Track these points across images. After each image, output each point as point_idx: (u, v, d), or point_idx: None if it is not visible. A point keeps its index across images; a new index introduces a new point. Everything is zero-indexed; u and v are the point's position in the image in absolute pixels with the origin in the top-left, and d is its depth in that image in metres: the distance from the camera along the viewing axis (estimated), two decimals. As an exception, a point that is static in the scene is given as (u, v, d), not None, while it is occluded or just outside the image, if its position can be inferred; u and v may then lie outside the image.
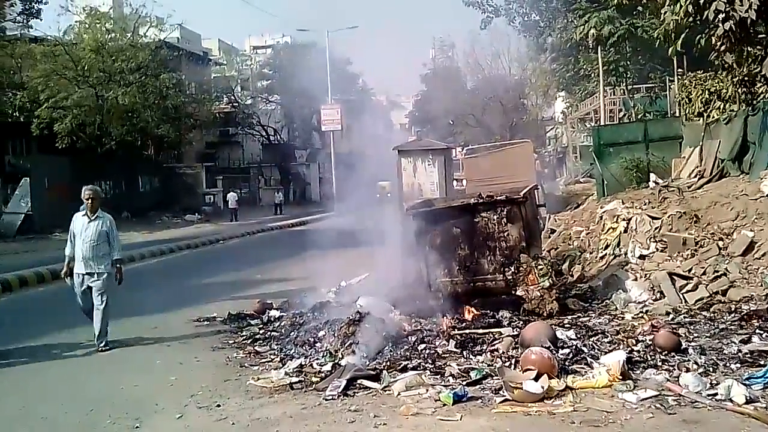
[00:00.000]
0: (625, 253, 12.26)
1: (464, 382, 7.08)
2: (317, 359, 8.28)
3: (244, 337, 10.03)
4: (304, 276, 14.35)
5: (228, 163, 60.95)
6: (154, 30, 42.12)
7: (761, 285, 10.32)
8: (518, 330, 8.77)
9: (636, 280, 11.14)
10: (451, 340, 8.62)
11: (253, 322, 11.01)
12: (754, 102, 14.26)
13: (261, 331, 10.27)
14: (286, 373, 7.90)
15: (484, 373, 7.32)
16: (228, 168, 59.18)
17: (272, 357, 8.80)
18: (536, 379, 6.71)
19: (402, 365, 7.77)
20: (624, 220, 13.06)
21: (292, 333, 9.52)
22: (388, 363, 7.89)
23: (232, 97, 59.12)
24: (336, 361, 8.03)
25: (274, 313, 11.22)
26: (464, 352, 8.23)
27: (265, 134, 61.06)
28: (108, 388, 7.98)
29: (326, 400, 6.93)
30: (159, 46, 41.07)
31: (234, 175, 57.05)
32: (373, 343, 8.28)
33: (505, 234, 10.14)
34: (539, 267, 10.06)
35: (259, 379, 7.81)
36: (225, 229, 33.57)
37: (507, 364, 7.61)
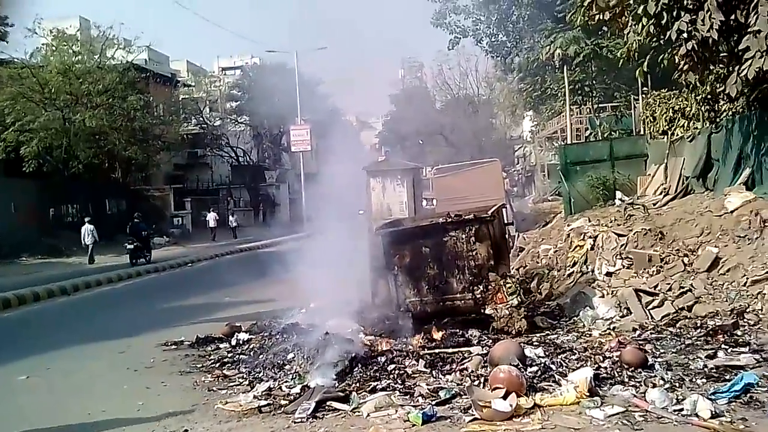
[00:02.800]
0: (592, 271, 12.39)
1: (433, 402, 7.05)
2: (286, 382, 8.23)
3: (213, 361, 9.94)
4: (274, 298, 14.30)
5: (197, 185, 60.51)
6: (121, 52, 41.92)
7: (726, 300, 10.46)
8: (487, 348, 8.77)
9: (603, 297, 11.23)
10: (420, 360, 8.61)
11: (221, 345, 10.93)
12: (717, 119, 14.50)
13: (229, 355, 10.19)
14: (255, 397, 7.84)
15: (454, 392, 7.32)
16: (197, 190, 58.76)
17: (241, 380, 8.73)
18: (505, 397, 6.71)
19: (371, 386, 7.75)
20: (591, 237, 13.20)
21: (261, 356, 9.45)
22: (358, 384, 7.87)
23: (201, 119, 58.86)
24: (305, 383, 7.98)
25: (243, 335, 11.11)
26: (434, 372, 8.22)
27: (234, 155, 60.82)
28: (74, 414, 7.85)
29: (295, 422, 6.88)
30: (127, 68, 40.80)
31: (203, 196, 56.64)
32: (342, 365, 8.25)
33: (474, 253, 10.17)
34: (508, 285, 10.10)
35: (227, 402, 7.73)
36: (194, 251, 33.31)
37: (476, 382, 7.63)
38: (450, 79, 63.05)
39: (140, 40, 43.10)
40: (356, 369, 8.29)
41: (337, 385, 7.88)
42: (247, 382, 8.56)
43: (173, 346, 11.19)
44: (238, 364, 9.55)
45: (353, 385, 7.87)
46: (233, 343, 10.88)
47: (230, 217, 45.55)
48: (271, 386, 8.16)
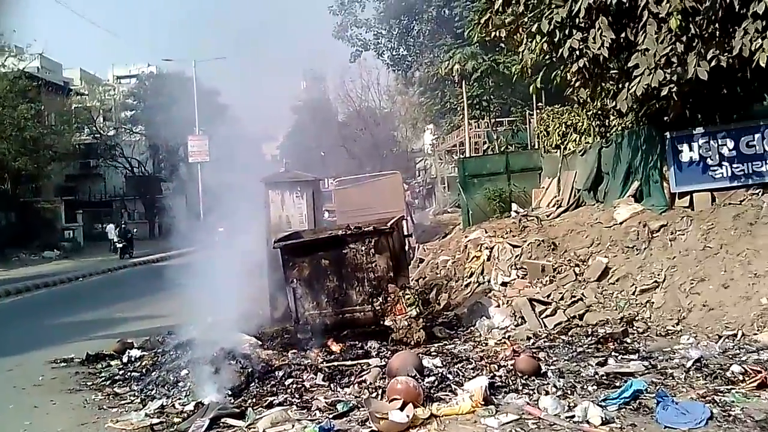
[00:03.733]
0: (489, 281, 12.63)
1: (331, 416, 7.03)
2: (179, 399, 8.05)
3: (103, 378, 9.64)
4: (168, 313, 13.94)
5: (89, 197, 58.46)
6: (12, 59, 40.23)
7: (616, 309, 10.86)
8: (386, 360, 8.82)
9: (499, 306, 11.46)
10: (318, 374, 8.58)
11: (112, 362, 10.60)
12: (608, 134, 14.97)
13: (121, 372, 9.91)
14: (147, 415, 7.63)
15: (351, 405, 7.31)
16: (89, 201, 56.73)
17: (132, 398, 8.50)
18: (402, 408, 6.73)
19: (268, 401, 7.67)
20: (487, 248, 13.45)
21: (154, 373, 9.22)
22: (254, 399, 7.78)
23: (94, 128, 56.93)
24: (199, 400, 7.80)
25: (135, 352, 10.80)
26: (332, 385, 8.21)
27: (129, 166, 59.07)
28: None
29: (188, 440, 6.72)
30: (18, 76, 39.12)
31: (96, 209, 54.74)
32: (237, 380, 8.11)
33: (373, 265, 10.23)
34: (407, 296, 10.19)
35: (117, 421, 7.50)
36: (86, 265, 32.13)
37: (374, 394, 7.64)
38: (352, 91, 63.35)
39: (32, 48, 41.57)
40: (252, 384, 8.22)
41: (232, 401, 7.75)
42: (138, 400, 8.33)
43: (63, 364, 10.78)
44: (129, 381, 9.30)
45: (249, 400, 7.77)
46: (125, 360, 10.58)
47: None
48: (164, 404, 7.97)
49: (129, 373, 9.71)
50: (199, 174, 38.04)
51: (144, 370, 9.62)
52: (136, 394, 8.61)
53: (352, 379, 8.37)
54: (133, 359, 10.49)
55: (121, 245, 36.17)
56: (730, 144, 11.68)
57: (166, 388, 8.47)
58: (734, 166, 11.63)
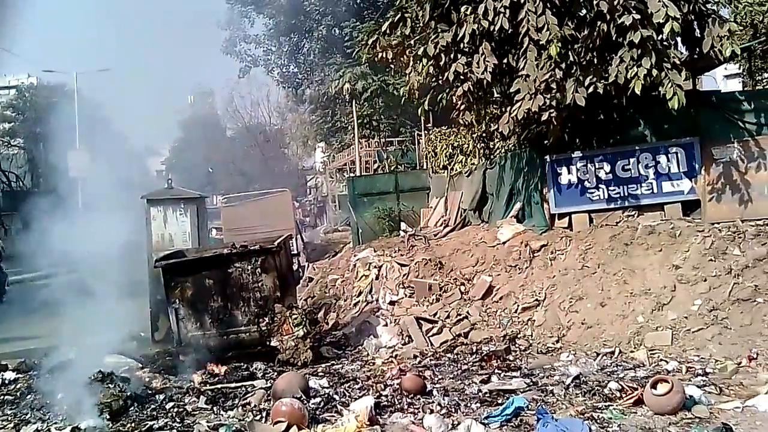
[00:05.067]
0: (377, 300, 12.66)
1: (213, 440, 6.86)
2: (56, 423, 7.73)
3: (-27, 404, 9.10)
4: (45, 334, 13.28)
5: (-38, 213, 55.22)
6: None
7: (499, 327, 11.09)
8: (272, 381, 8.70)
9: (386, 325, 11.52)
10: (201, 397, 8.42)
11: (-16, 386, 10.03)
12: (492, 156, 15.34)
13: (-7, 396, 9.42)
14: (21, 440, 7.26)
15: (235, 428, 7.16)
16: (-38, 218, 53.57)
17: (5, 423, 8.09)
18: (287, 430, 6.65)
19: (148, 426, 7.45)
20: (376, 267, 13.50)
21: (29, 396, 8.90)
22: (133, 424, 7.55)
23: (-31, 141, 54.03)
24: (75, 424, 7.50)
25: (9, 374, 10.32)
26: (215, 408, 8.06)
27: (7, 180, 56.23)
28: None
29: (62, 468, 6.42)
30: None
31: (-31, 225, 51.67)
32: (116, 404, 7.81)
33: (260, 284, 10.12)
34: (294, 316, 10.11)
35: (-13, 449, 7.09)
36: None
37: (258, 417, 7.53)
38: (241, 107, 62.71)
39: None
40: (132, 408, 7.99)
41: (110, 425, 7.51)
42: (12, 425, 7.95)
43: (-70, 388, 10.10)
44: (2, 405, 8.87)
45: (128, 425, 7.54)
46: (-2, 382, 10.06)
47: None
48: (39, 428, 7.67)
49: (2, 397, 9.27)
50: (79, 189, 36.65)
51: (18, 394, 9.26)
52: (10, 418, 8.22)
53: (236, 401, 8.24)
54: (7, 382, 10.03)
55: None
56: (607, 167, 12.18)
57: (41, 411, 8.15)
58: (611, 188, 12.14)
